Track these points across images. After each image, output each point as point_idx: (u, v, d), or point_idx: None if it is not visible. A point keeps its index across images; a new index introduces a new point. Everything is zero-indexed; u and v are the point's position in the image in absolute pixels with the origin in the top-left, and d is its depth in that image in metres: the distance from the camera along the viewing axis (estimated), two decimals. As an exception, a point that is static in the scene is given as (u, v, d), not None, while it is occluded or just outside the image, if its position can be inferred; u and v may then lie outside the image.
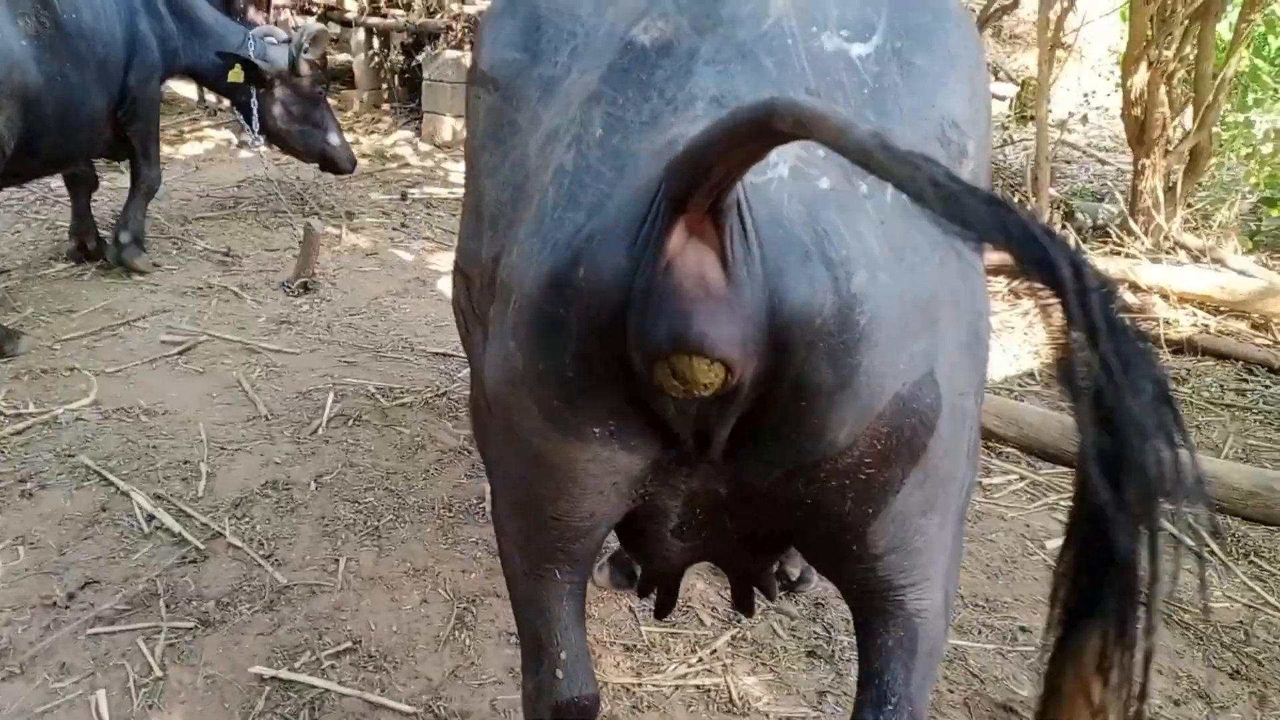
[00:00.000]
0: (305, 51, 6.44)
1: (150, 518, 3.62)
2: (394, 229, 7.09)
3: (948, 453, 1.64)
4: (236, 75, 6.16)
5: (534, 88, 1.76)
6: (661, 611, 2.51)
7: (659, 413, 1.52)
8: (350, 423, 4.38)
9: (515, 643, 3.13)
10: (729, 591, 3.38)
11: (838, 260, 1.39)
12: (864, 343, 1.41)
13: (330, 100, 7.26)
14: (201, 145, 8.91)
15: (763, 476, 1.60)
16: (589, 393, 1.50)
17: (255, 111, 6.39)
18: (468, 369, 4.95)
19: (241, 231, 6.82)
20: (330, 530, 3.63)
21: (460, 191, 8.00)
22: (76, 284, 5.73)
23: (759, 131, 1.13)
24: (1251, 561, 3.70)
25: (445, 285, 6.15)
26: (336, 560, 3.47)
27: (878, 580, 1.71)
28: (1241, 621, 3.38)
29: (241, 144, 8.83)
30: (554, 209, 1.52)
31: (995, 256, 1.06)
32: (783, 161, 1.43)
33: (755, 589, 2.56)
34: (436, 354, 5.15)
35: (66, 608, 3.16)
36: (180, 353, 4.95)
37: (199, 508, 3.70)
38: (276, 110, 6.48)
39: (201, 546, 3.48)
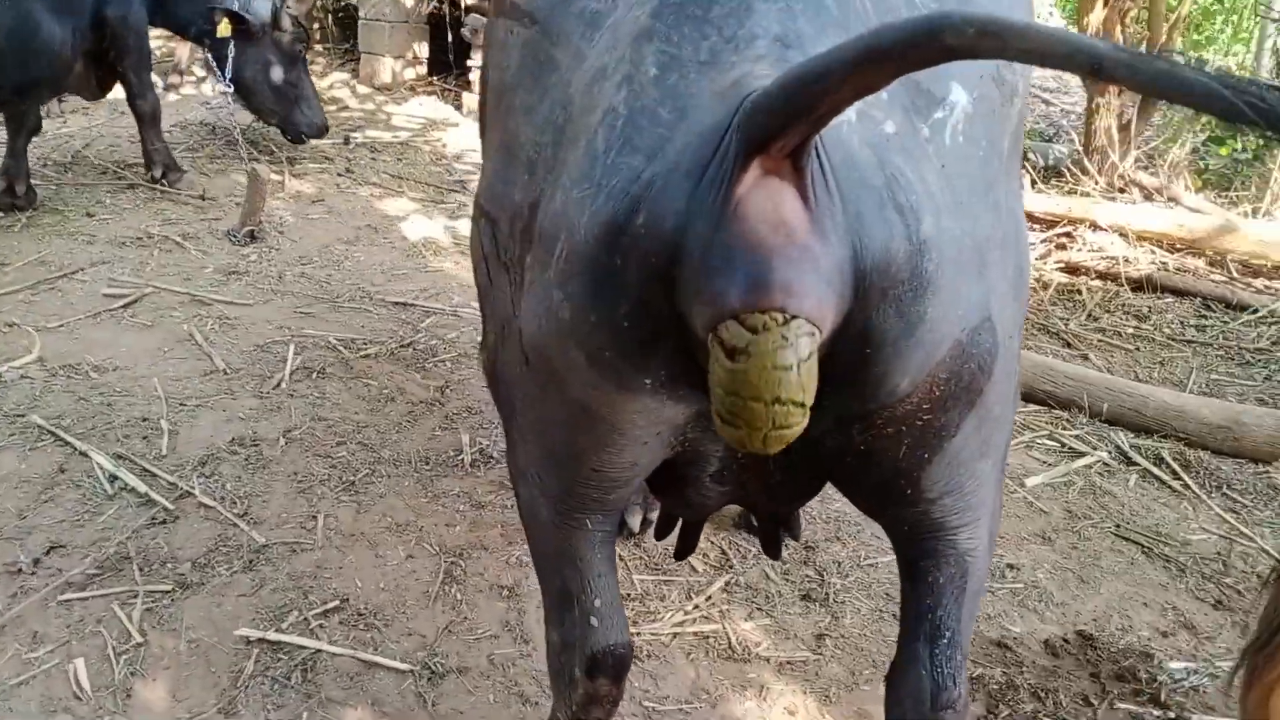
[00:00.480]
0: (288, 5, 6.18)
1: (113, 478, 3.46)
2: (339, 174, 6.86)
3: (1001, 396, 1.63)
4: (225, 29, 5.91)
5: (576, 22, 1.65)
6: (683, 553, 2.48)
7: None
8: (314, 376, 4.23)
9: (507, 596, 3.07)
10: (723, 538, 3.37)
11: (907, 206, 1.34)
12: (930, 290, 1.37)
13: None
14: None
15: (815, 423, 1.53)
16: (644, 344, 1.43)
17: (230, 60, 6.13)
18: (431, 319, 4.86)
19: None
20: (305, 487, 3.51)
21: (405, 135, 7.79)
22: (7, 235, 5.44)
23: (919, 49, 1.03)
24: (1224, 494, 3.78)
25: (399, 232, 5.99)
26: (314, 517, 3.36)
27: (931, 522, 1.70)
28: (1219, 553, 3.46)
29: (169, 87, 8.45)
30: (606, 153, 1.42)
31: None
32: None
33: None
34: (396, 303, 5.00)
35: (33, 574, 3.01)
36: (125, 306, 4.73)
37: (164, 466, 3.55)
38: (254, 64, 6.23)
39: (170, 507, 3.34)
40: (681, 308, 1.34)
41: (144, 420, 3.82)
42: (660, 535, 2.47)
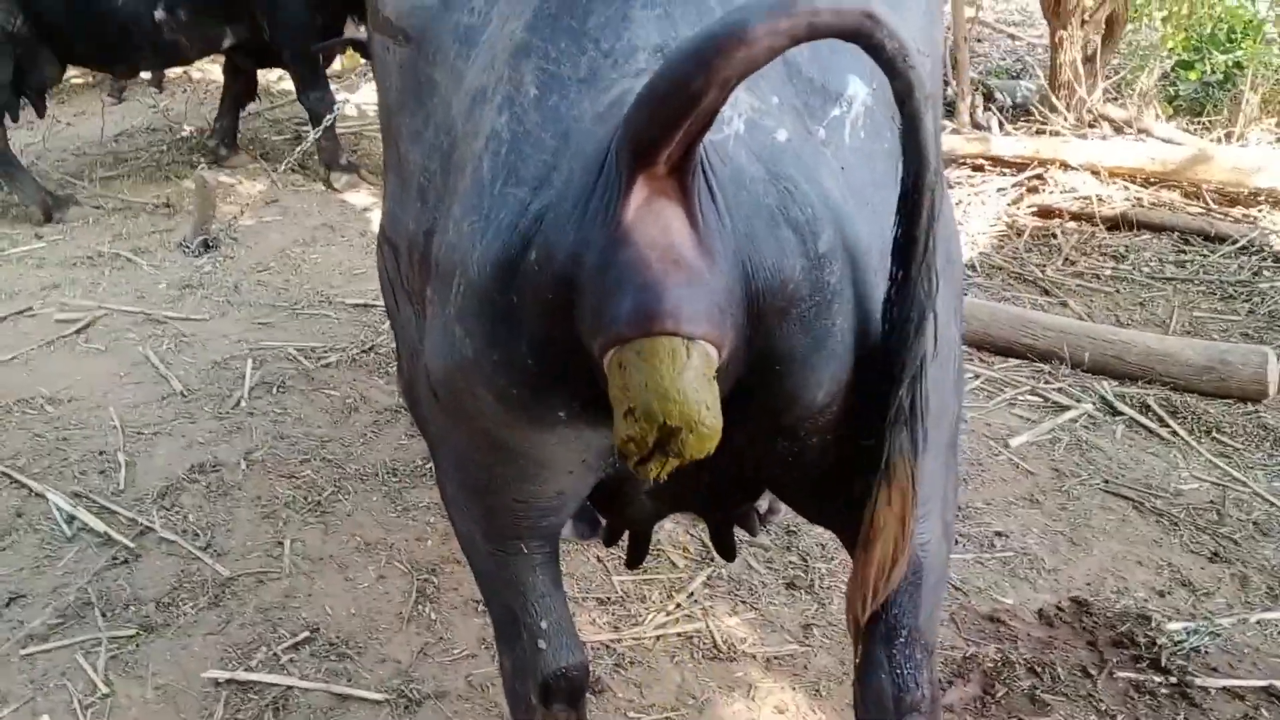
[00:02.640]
0: None
1: (71, 519, 3.35)
2: (292, 171, 6.66)
3: (934, 388, 1.55)
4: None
5: (451, 39, 1.56)
6: (634, 562, 2.43)
7: None
8: (274, 390, 4.11)
9: (483, 611, 2.97)
10: (702, 530, 3.27)
11: (803, 221, 1.29)
12: (835, 301, 1.32)
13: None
14: (67, 97, 8.28)
15: (738, 437, 1.48)
16: (552, 378, 1.36)
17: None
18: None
19: (126, 190, 6.36)
20: (269, 511, 3.40)
21: (358, 125, 7.60)
22: (-46, 264, 5.29)
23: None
24: (1214, 438, 3.69)
25: (357, 228, 5.84)
26: (280, 543, 3.25)
27: None
28: (1212, 501, 3.37)
29: (112, 95, 8.24)
30: (492, 183, 1.35)
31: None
32: (737, 116, 1.30)
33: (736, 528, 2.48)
34: (357, 305, 4.86)
35: (-8, 629, 2.91)
36: (78, 331, 4.59)
37: (122, 502, 3.43)
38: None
39: (131, 545, 3.23)
40: (582, 337, 1.28)
41: (101, 454, 3.70)
42: (609, 543, 2.43)
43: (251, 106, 7.88)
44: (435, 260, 1.47)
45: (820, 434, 1.48)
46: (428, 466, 3.62)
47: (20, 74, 5.72)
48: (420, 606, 3.00)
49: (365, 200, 6.21)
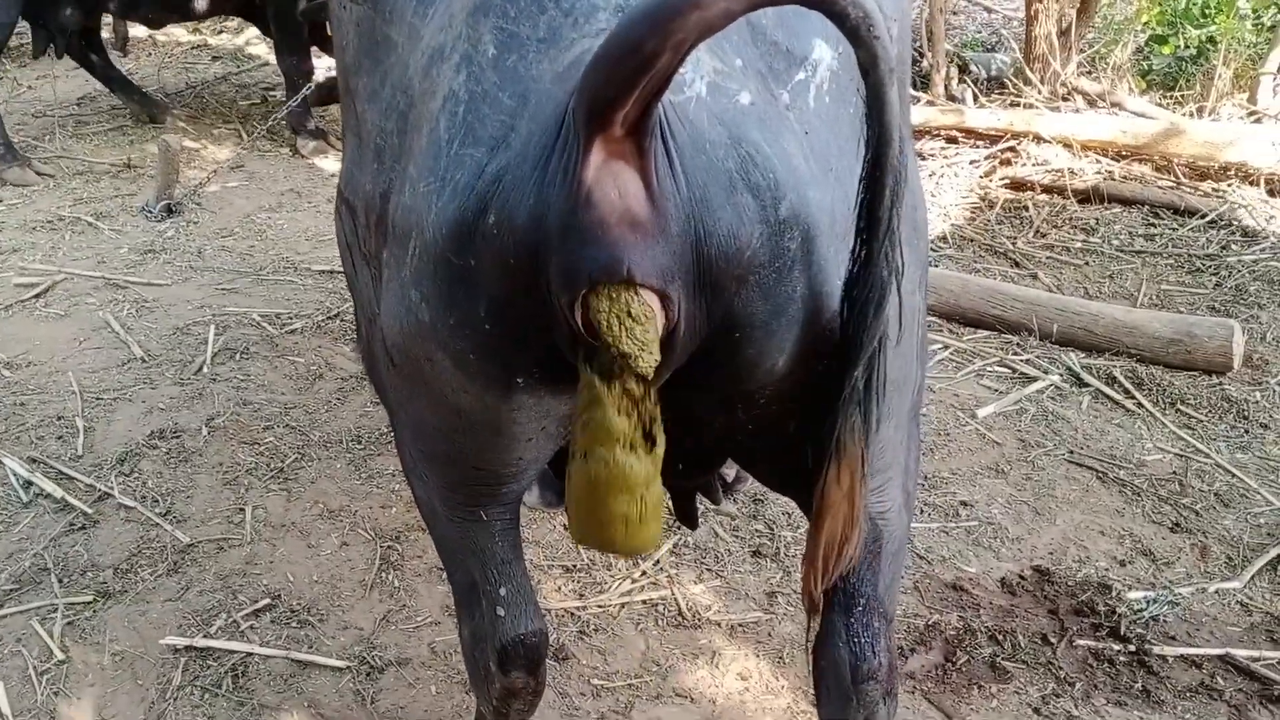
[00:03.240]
0: None
1: (27, 484, 3.29)
2: (258, 138, 6.56)
3: (896, 357, 1.55)
4: None
5: None
6: None
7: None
8: (237, 356, 4.05)
9: (447, 579, 2.94)
10: (664, 498, 3.25)
11: (764, 186, 1.27)
12: (796, 268, 1.31)
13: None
14: (27, 59, 8.08)
15: (699, 404, 1.51)
16: (510, 342, 1.35)
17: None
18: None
19: (88, 153, 6.22)
20: (231, 478, 3.36)
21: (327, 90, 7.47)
22: (-91, 228, 5.17)
23: None
24: (1178, 410, 3.71)
25: (323, 194, 5.75)
26: (242, 510, 3.21)
27: None
28: (1175, 472, 3.39)
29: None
30: (449, 144, 1.33)
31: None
32: (699, 78, 1.28)
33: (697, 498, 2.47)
34: (322, 272, 4.79)
35: (-56, 597, 2.86)
36: (37, 296, 4.50)
37: (80, 468, 3.38)
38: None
39: (89, 510, 3.18)
40: (549, 297, 1.27)
41: (59, 419, 3.64)
42: None
43: (217, 70, 7.79)
44: (392, 222, 1.44)
45: (780, 402, 1.47)
46: (392, 434, 3.58)
47: (46, 15, 5.90)
48: (383, 574, 2.98)
49: (332, 166, 6.12)
